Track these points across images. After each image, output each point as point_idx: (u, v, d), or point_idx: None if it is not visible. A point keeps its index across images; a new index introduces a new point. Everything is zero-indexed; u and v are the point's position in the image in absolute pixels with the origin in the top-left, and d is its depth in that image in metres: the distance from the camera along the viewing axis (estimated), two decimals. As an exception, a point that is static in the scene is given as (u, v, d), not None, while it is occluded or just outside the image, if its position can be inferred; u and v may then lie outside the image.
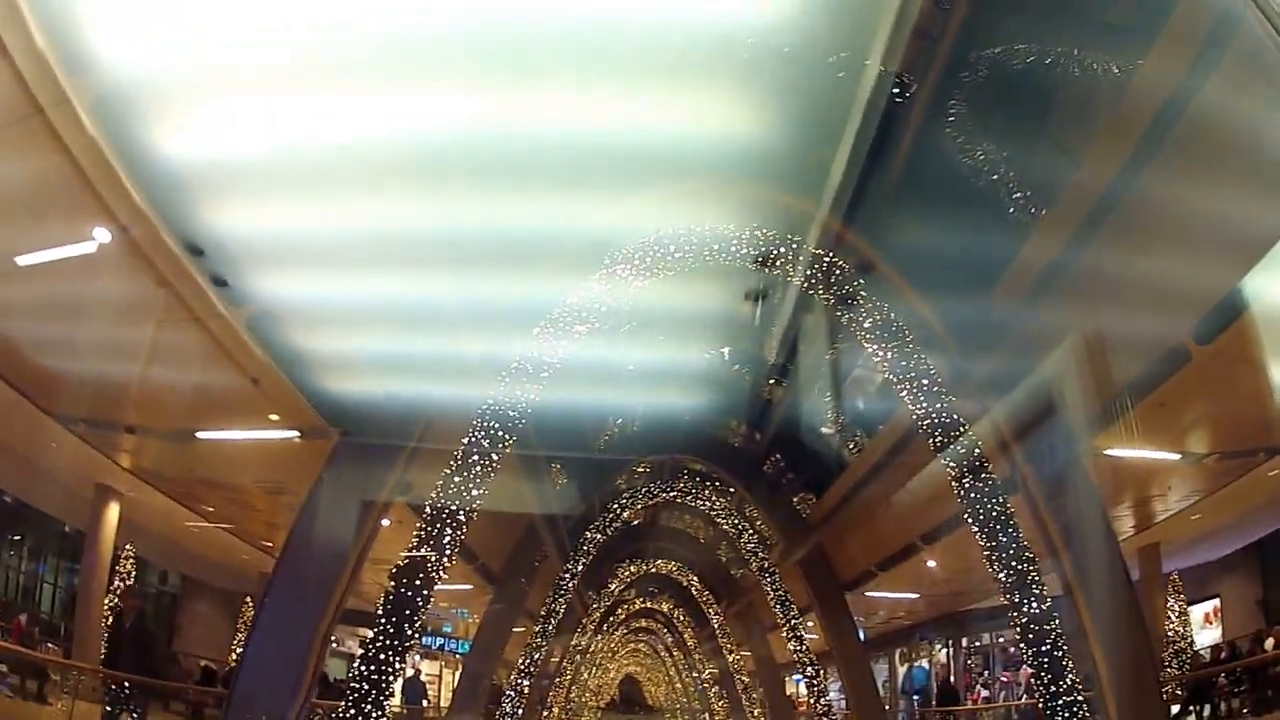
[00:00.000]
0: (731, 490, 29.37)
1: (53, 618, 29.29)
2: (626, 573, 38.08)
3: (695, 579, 38.39)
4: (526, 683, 27.68)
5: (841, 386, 21.12)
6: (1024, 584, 13.19)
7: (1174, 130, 10.72)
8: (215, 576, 32.92)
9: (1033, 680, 13.87)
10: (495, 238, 13.06)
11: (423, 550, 12.97)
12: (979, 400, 14.40)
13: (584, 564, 28.11)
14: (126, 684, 20.70)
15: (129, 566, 24.77)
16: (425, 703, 34.64)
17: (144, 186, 11.85)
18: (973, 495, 13.23)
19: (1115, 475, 17.48)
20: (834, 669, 31.60)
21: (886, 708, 34.24)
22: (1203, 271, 12.41)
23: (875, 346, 13.80)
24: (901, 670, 41.43)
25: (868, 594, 31.92)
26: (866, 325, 13.82)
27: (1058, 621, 13.41)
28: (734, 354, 21.00)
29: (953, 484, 13.37)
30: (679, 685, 58.26)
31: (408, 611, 13.10)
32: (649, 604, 45.65)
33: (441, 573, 13.13)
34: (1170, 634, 25.49)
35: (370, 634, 13.41)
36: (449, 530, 12.90)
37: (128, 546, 24.74)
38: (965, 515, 13.48)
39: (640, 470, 30.48)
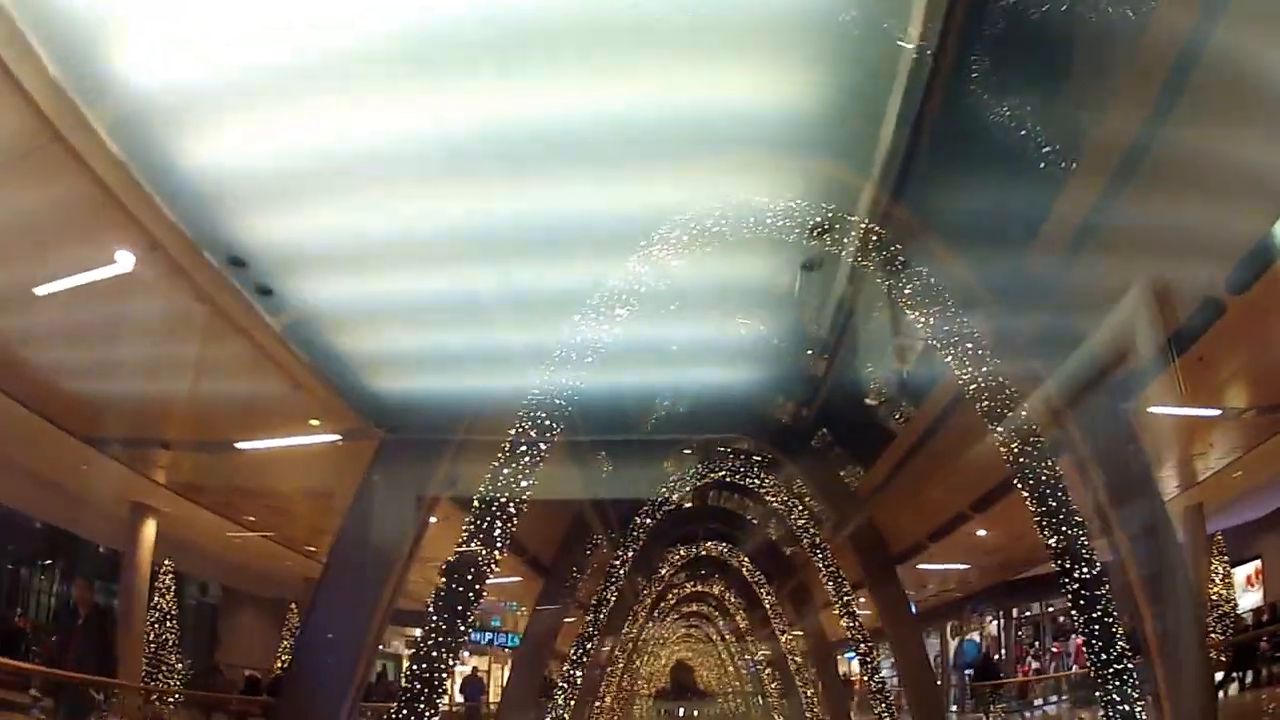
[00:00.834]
0: (780, 467, 29.30)
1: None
2: (676, 557, 38.06)
3: (746, 560, 38.29)
4: (579, 674, 27.54)
5: (887, 357, 21.01)
6: (1074, 549, 12.91)
7: (1194, 74, 10.56)
8: (258, 585, 33.12)
9: (1083, 649, 13.75)
10: (536, 225, 13.01)
11: (473, 544, 12.91)
12: (1027, 362, 14.32)
13: (635, 550, 28.10)
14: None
15: (168, 581, 24.85)
16: (483, 698, 34.84)
17: (173, 201, 11.85)
18: (1022, 459, 12.99)
19: (1158, 434, 17.34)
20: (886, 645, 31.65)
21: (939, 682, 34.10)
22: (1232, 218, 12.25)
23: (920, 313, 13.64)
24: (953, 644, 41.35)
25: (919, 566, 31.87)
26: (910, 292, 13.69)
27: (1108, 588, 13.15)
28: (778, 329, 20.94)
29: (1002, 449, 13.23)
30: (731, 669, 58.36)
31: (459, 607, 12.90)
32: (700, 587, 45.62)
33: (493, 566, 13.10)
34: (1215, 597, 25.31)
35: (419, 633, 13.32)
36: (499, 523, 12.77)
37: (166, 562, 24.84)
38: (1015, 480, 13.27)
39: (687, 452, 30.50)
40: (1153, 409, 15.72)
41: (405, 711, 12.85)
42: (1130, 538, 14.91)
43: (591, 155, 12.08)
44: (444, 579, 12.96)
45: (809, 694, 39.63)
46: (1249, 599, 29.18)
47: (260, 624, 33.81)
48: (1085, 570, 12.97)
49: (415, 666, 12.99)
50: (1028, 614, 39.57)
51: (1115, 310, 13.78)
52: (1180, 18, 10.20)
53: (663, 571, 38.65)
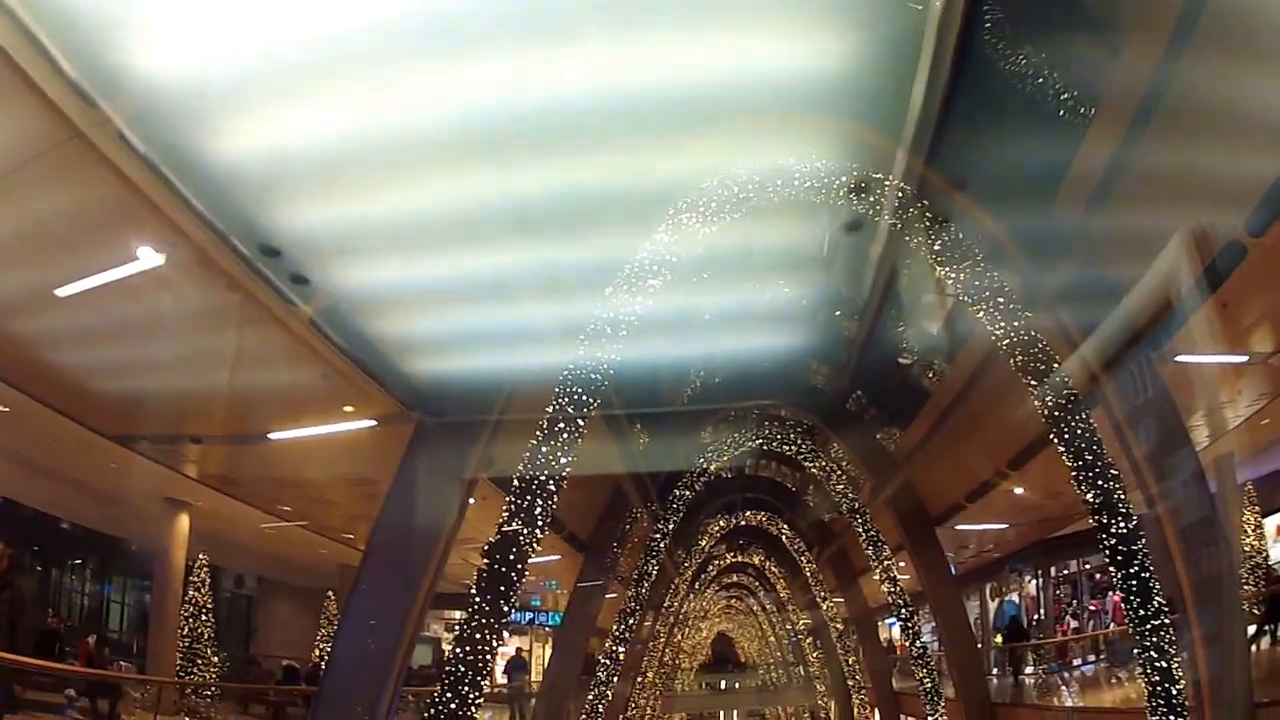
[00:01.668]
0: (816, 432, 29.37)
1: (122, 636, 29.82)
2: (716, 528, 38.07)
3: (785, 527, 38.30)
4: (622, 649, 27.65)
5: (919, 316, 21.14)
6: (1111, 504, 13.03)
7: (1205, 13, 10.63)
8: (293, 575, 33.34)
9: (1121, 605, 13.77)
10: (567, 200, 13.06)
11: (514, 524, 12.96)
12: (1059, 317, 14.35)
13: (674, 523, 28.11)
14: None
15: (203, 575, 25.02)
16: (527, 677, 35.02)
17: (203, 194, 11.94)
18: (1057, 415, 13.09)
19: (1187, 384, 17.29)
20: (926, 609, 31.72)
21: (979, 645, 34.14)
22: (1250, 159, 12.13)
23: (952, 270, 13.63)
24: (993, 606, 41.35)
25: (957, 527, 31.78)
26: (941, 249, 13.70)
27: (1144, 542, 13.24)
28: (810, 293, 20.92)
29: (1037, 404, 13.28)
30: (772, 639, 58.47)
31: (503, 588, 12.93)
32: (740, 558, 45.65)
33: (535, 545, 13.13)
34: (1246, 549, 25.32)
35: (459, 615, 13.43)
36: (539, 501, 12.81)
37: (200, 556, 25.01)
38: (1051, 435, 13.34)
39: (724, 421, 30.53)
40: (1180, 358, 15.61)
41: (449, 694, 12.97)
42: (1164, 490, 14.94)
43: (622, 126, 12.06)
44: (486, 560, 13.00)
45: (850, 661, 39.78)
46: (1279, 550, 29.16)
47: (296, 614, 34.06)
48: (1122, 525, 13.05)
49: (459, 649, 13.05)
50: (1065, 572, 39.50)
51: (1156, 260, 13.74)
52: None
53: (702, 543, 38.68)
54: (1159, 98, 11.88)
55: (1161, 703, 13.10)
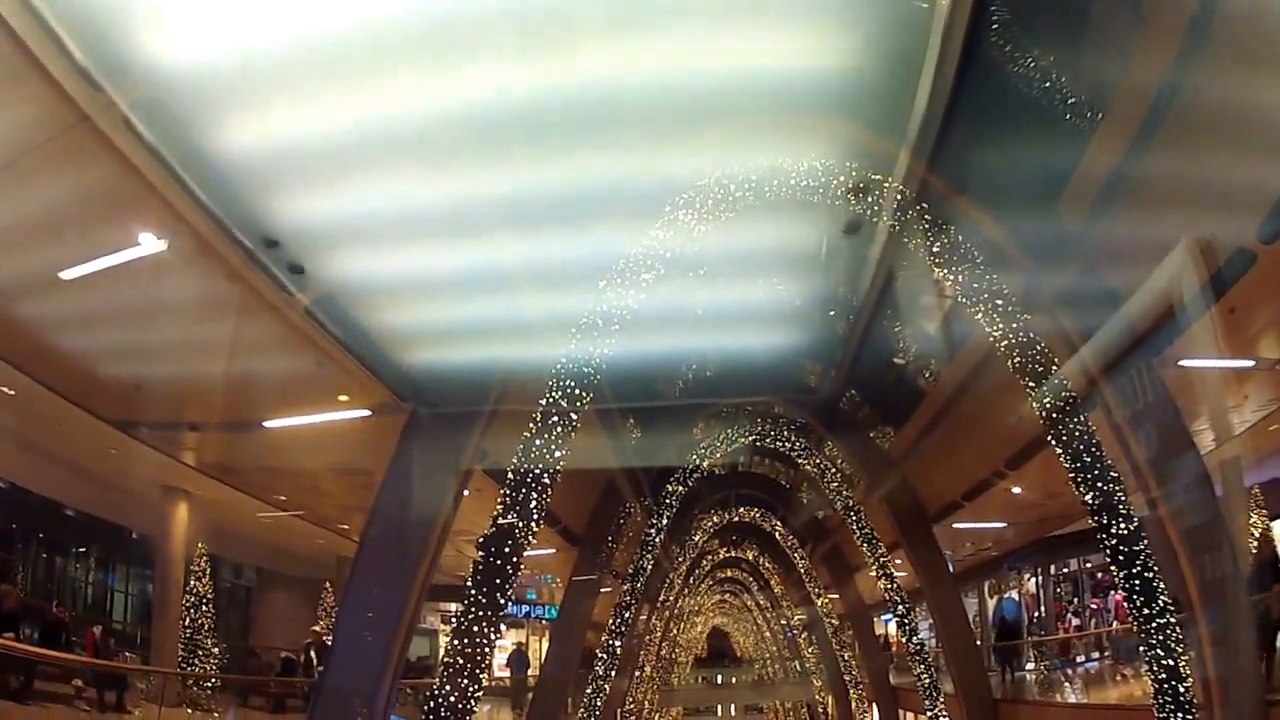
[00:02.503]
0: (810, 430, 29.51)
1: (126, 626, 29.90)
2: (710, 523, 38.26)
3: (779, 524, 38.42)
4: (618, 643, 27.85)
5: (915, 316, 21.13)
6: (1111, 505, 13.10)
7: (1217, 19, 10.61)
8: (291, 566, 33.36)
9: (1124, 604, 13.79)
10: (564, 193, 13.07)
11: (509, 517, 13.01)
12: (1059, 319, 14.34)
13: (668, 517, 28.22)
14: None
15: (203, 565, 25.06)
16: (528, 670, 35.17)
17: (205, 184, 12.03)
18: (1055, 416, 13.17)
19: (1193, 388, 17.27)
20: (923, 606, 31.72)
21: (978, 642, 34.13)
22: (1261, 167, 12.12)
23: (950, 271, 13.69)
24: (991, 603, 41.37)
25: (954, 526, 31.75)
26: (939, 251, 13.73)
27: (1146, 542, 13.30)
28: (804, 292, 20.92)
29: (1034, 405, 13.34)
30: (767, 635, 58.69)
31: (498, 580, 13.01)
32: (734, 553, 45.84)
33: (530, 538, 13.19)
34: (1254, 551, 25.04)
35: (457, 607, 13.41)
36: (534, 494, 12.87)
37: (200, 545, 25.05)
38: (1049, 437, 13.41)
39: (717, 416, 30.62)
40: (1186, 362, 15.60)
41: (448, 687, 13.06)
42: (1168, 493, 14.95)
43: (620, 121, 12.13)
44: (481, 552, 13.07)
45: (846, 657, 39.85)
46: (1290, 553, 29.10)
47: (295, 605, 34.06)
48: (1123, 526, 13.13)
49: (456, 641, 13.16)
50: (1065, 570, 39.54)
51: (1160, 267, 13.73)
52: None
53: (697, 538, 38.86)
54: (1169, 102, 11.81)
55: (1169, 700, 13.20)
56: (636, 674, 40.45)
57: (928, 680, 27.52)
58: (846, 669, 40.09)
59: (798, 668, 49.87)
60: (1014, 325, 13.29)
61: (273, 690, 26.03)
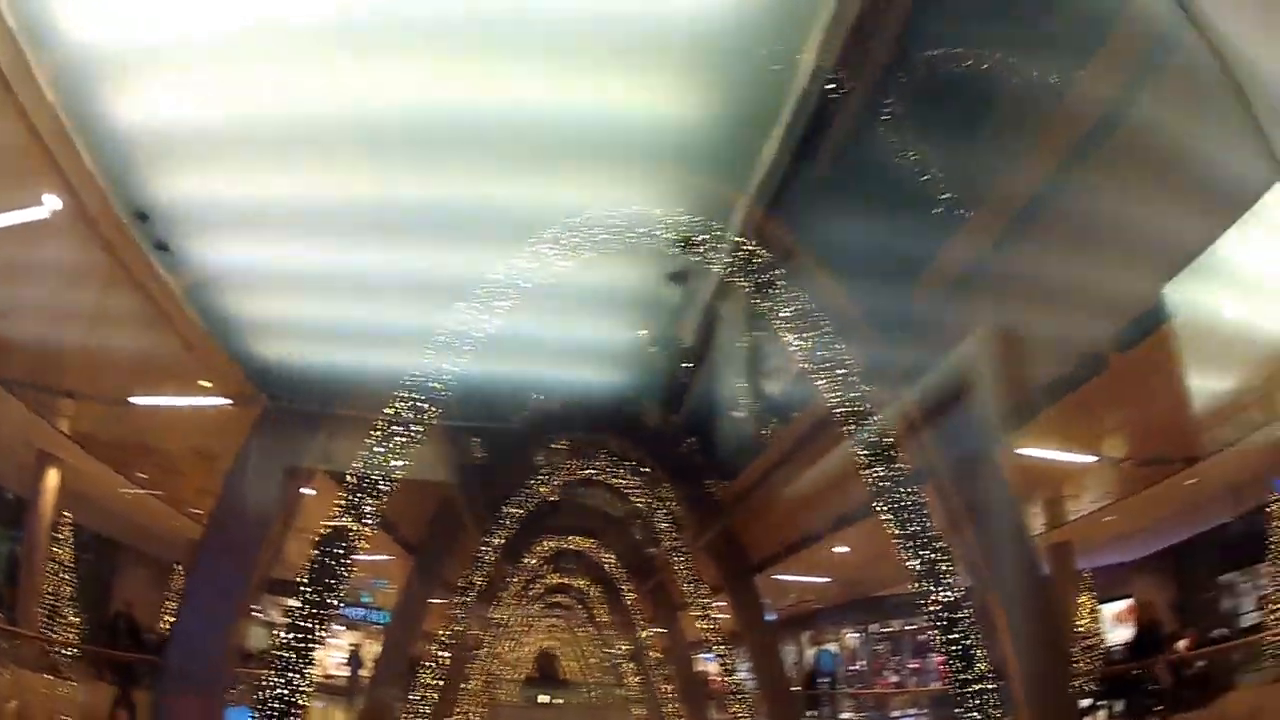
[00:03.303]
0: (647, 470, 29.51)
1: (-7, 585, 28.89)
2: (543, 548, 38.35)
3: (610, 556, 38.58)
4: (447, 654, 27.57)
5: (757, 372, 21.22)
6: (935, 572, 13.20)
7: (1108, 141, 10.76)
8: (148, 544, 32.49)
9: (943, 667, 13.92)
10: (427, 210, 13.15)
11: (344, 519, 12.96)
12: (893, 390, 14.44)
13: (503, 538, 28.10)
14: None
15: (66, 534, 24.38)
16: (362, 672, 34.85)
17: (93, 152, 11.89)
18: (884, 483, 13.25)
19: (1028, 473, 17.62)
20: (744, 649, 31.93)
21: (796, 689, 34.50)
22: (1127, 281, 12.49)
23: (792, 334, 13.82)
24: (810, 653, 41.91)
25: (777, 577, 32.13)
26: (784, 313, 13.85)
27: (969, 610, 13.42)
28: (653, 335, 21.04)
29: (864, 472, 13.41)
30: (593, 661, 58.75)
31: (330, 580, 13.05)
32: (565, 580, 45.91)
33: (362, 542, 13.12)
34: (1082, 630, 25.80)
35: (294, 603, 13.32)
36: (370, 500, 12.91)
37: (65, 514, 24.36)
38: (876, 503, 13.48)
39: (559, 446, 30.62)
40: (1023, 450, 15.92)
41: (279, 679, 13.00)
42: (992, 565, 15.11)
43: (489, 150, 12.20)
44: (316, 551, 13.06)
45: (667, 690, 40.00)
46: (1120, 634, 29.90)
47: (151, 584, 33.20)
48: (946, 594, 13.20)
49: (287, 635, 13.09)
50: (887, 629, 40.40)
51: (973, 343, 13.99)
52: (1103, 89, 10.38)
53: (529, 561, 38.80)
54: (1044, 207, 12.05)
55: None
56: (464, 687, 40.38)
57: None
58: (666, 702, 40.25)
59: (622, 695, 49.94)
60: (851, 394, 13.42)
61: (121, 665, 25.30)
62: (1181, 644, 20.04)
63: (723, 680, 29.93)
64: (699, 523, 28.18)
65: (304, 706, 13.31)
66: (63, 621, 23.81)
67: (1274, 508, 20.49)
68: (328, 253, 13.94)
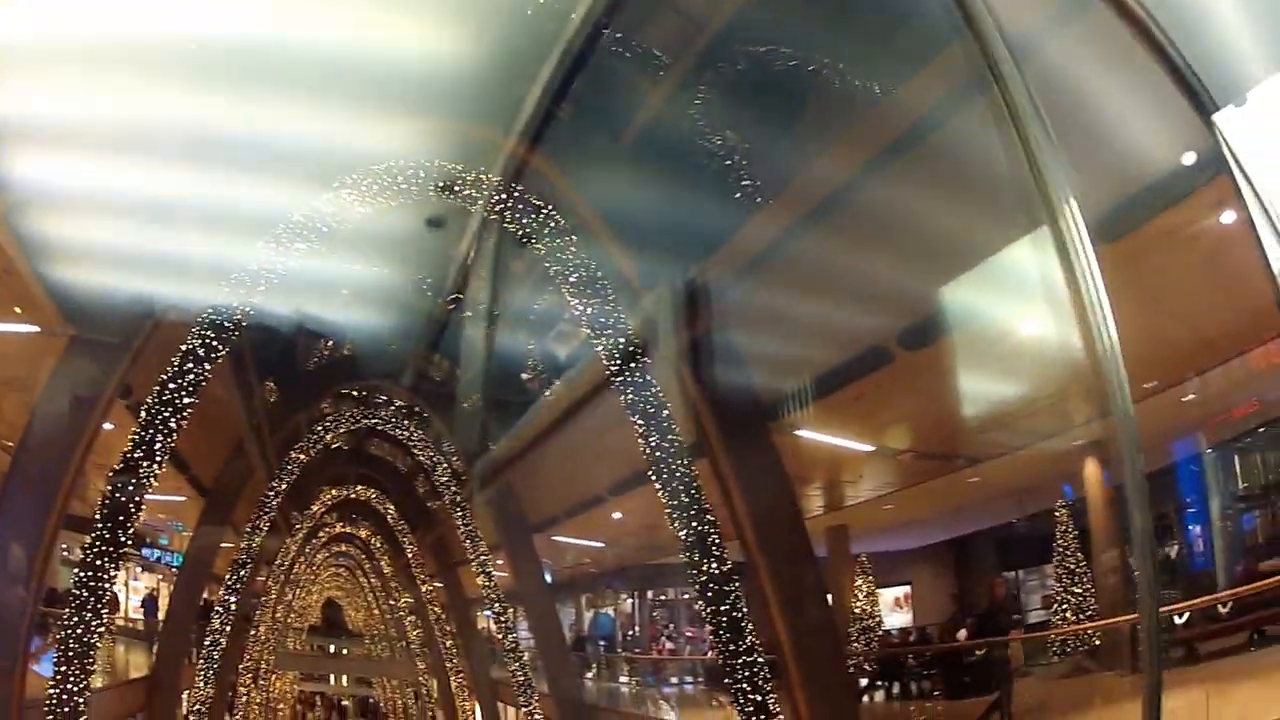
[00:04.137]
0: (430, 424, 29.65)
1: None
2: (328, 496, 38.12)
3: (393, 508, 38.51)
4: (233, 599, 27.23)
5: (542, 331, 21.57)
6: (704, 544, 13.50)
7: (916, 150, 11.09)
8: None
9: (712, 638, 14.18)
10: (231, 141, 12.84)
11: (136, 454, 12.80)
12: (668, 358, 14.66)
13: (288, 483, 27.81)
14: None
15: None
16: (159, 616, 33.95)
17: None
18: (658, 453, 13.54)
19: (805, 456, 17.99)
20: (522, 608, 32.15)
21: (573, 650, 34.81)
22: (918, 281, 13.05)
23: (581, 301, 14.07)
24: (588, 615, 42.33)
25: (555, 538, 32.15)
26: (576, 281, 14.00)
27: (737, 584, 13.74)
28: (438, 288, 21.01)
29: (639, 439, 13.68)
30: (377, 613, 58.45)
31: (121, 517, 13.04)
32: (348, 529, 45.62)
33: (153, 480, 13.00)
34: (858, 611, 26.46)
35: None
36: (160, 436, 12.79)
37: None
38: (649, 472, 13.74)
39: (346, 394, 30.45)
40: (801, 432, 16.29)
41: (75, 618, 13.16)
42: (762, 542, 15.48)
43: (262, 84, 12.06)
44: (108, 487, 13.10)
45: (449, 645, 40.10)
46: (897, 619, 30.96)
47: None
48: (715, 566, 13.53)
49: (82, 573, 13.15)
50: (663, 597, 41.03)
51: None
52: (923, 98, 10.66)
53: (314, 508, 38.43)
54: (845, 204, 12.24)
55: None
56: (253, 633, 39.92)
57: (522, 678, 27.82)
58: (449, 656, 40.32)
59: (404, 649, 49.71)
60: (631, 365, 13.68)
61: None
62: (962, 633, 20.81)
63: (500, 638, 30.14)
64: (479, 480, 28.20)
65: (97, 647, 13.37)
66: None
67: (1060, 513, 21.65)
68: (136, 180, 13.47)
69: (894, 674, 21.41)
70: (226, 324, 13.12)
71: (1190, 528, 19.79)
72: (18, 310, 16.42)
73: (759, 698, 13.59)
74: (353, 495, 38.43)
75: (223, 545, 29.30)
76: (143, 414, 12.89)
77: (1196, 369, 15.01)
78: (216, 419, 22.15)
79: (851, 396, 16.01)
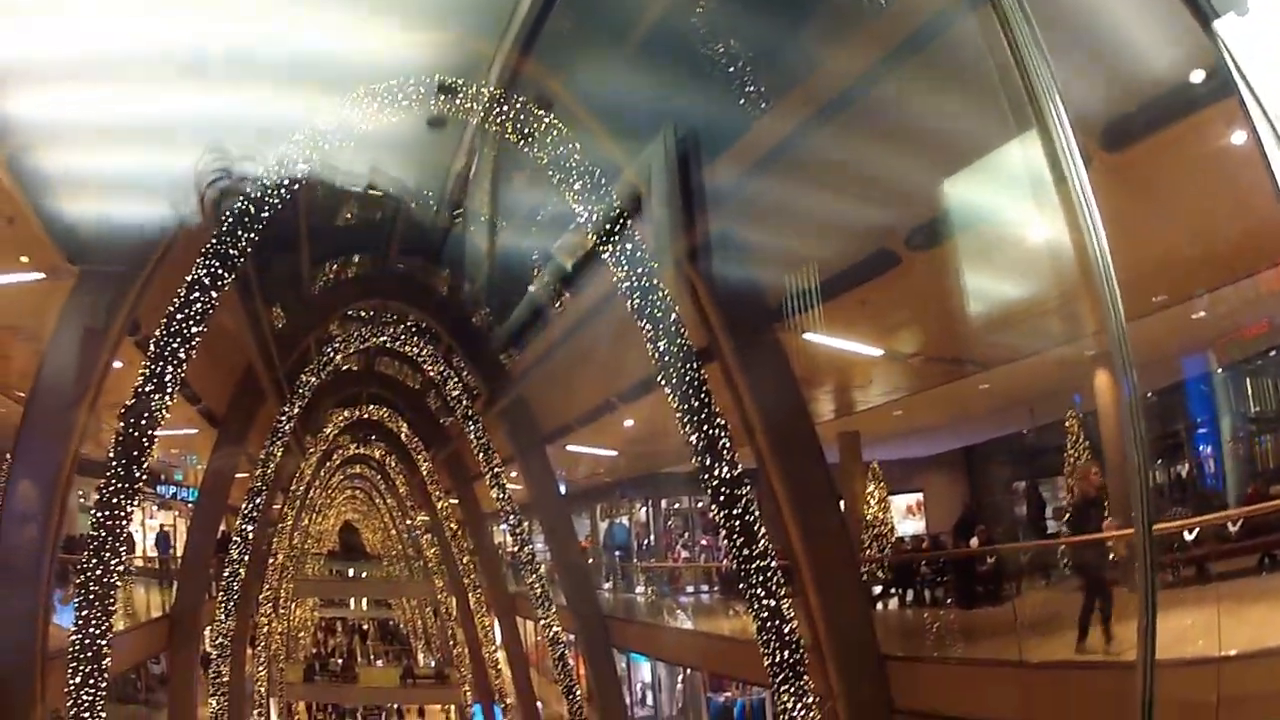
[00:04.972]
0: (440, 339, 29.78)
1: None
2: (340, 418, 38.40)
3: (405, 426, 38.64)
4: (250, 528, 27.54)
5: (547, 240, 21.18)
6: (715, 449, 13.35)
7: (925, 51, 10.73)
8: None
9: (726, 544, 14.15)
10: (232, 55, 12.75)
11: (147, 388, 12.75)
12: (675, 262, 14.54)
13: (300, 408, 28.04)
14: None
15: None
16: (171, 552, 34.12)
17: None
18: (667, 357, 13.38)
19: (813, 360, 17.93)
20: (537, 520, 32.25)
21: (591, 561, 34.98)
22: (924, 183, 12.69)
23: (584, 208, 13.88)
24: (603, 525, 42.55)
25: (568, 448, 32.17)
26: (580, 189, 13.87)
27: (749, 488, 13.61)
28: (448, 203, 20.87)
29: (648, 344, 13.54)
30: (394, 533, 58.90)
31: (135, 453, 12.91)
32: (363, 450, 45.84)
33: (164, 412, 12.99)
34: (870, 518, 26.69)
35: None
36: (170, 368, 12.73)
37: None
38: (659, 377, 13.64)
39: (354, 315, 30.48)
40: (809, 336, 16.15)
41: (94, 560, 12.92)
42: (773, 447, 15.47)
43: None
44: (120, 424, 12.90)
45: (465, 561, 40.39)
46: (910, 526, 31.11)
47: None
48: (726, 470, 13.41)
49: (99, 513, 12.97)
50: (677, 506, 41.44)
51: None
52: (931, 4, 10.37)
53: (328, 430, 38.99)
54: (853, 103, 11.88)
55: (773, 637, 13.50)
56: (271, 561, 40.27)
57: (539, 590, 27.98)
58: (466, 573, 40.64)
59: (421, 567, 50.08)
60: (639, 270, 13.51)
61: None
62: (974, 541, 20.52)
63: (517, 551, 30.29)
64: (491, 392, 28.41)
65: (118, 587, 13.32)
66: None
67: (1071, 423, 21.60)
68: (136, 104, 13.28)
69: (907, 581, 21.31)
70: (232, 250, 13.02)
71: (1200, 448, 19.79)
72: (24, 259, 16.28)
73: (773, 603, 13.53)
74: (365, 415, 38.57)
75: (238, 476, 29.39)
76: (151, 346, 12.76)
77: (1207, 285, 14.83)
78: (225, 350, 22.11)
79: (858, 300, 15.85)
